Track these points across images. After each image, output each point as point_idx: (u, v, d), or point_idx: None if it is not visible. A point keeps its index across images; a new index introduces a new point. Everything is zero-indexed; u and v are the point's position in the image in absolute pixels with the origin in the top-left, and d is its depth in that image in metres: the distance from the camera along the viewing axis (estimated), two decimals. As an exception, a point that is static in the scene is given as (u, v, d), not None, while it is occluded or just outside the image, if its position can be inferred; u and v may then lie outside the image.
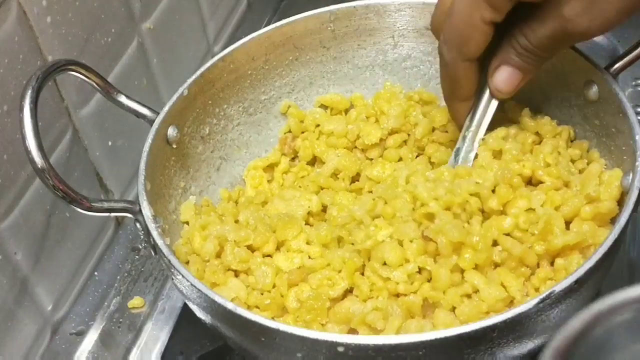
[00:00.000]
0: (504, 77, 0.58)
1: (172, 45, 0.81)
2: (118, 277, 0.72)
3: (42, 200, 0.63)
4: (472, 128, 0.62)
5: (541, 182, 0.60)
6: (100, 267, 0.72)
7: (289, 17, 0.71)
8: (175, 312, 0.68)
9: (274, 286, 0.58)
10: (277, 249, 0.61)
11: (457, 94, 0.61)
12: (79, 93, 0.66)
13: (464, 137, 0.63)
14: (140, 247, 0.74)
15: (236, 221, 0.64)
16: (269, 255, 0.61)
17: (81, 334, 0.67)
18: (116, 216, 0.74)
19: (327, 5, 0.71)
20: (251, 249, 0.61)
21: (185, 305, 0.67)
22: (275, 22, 0.71)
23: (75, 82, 0.64)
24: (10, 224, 0.60)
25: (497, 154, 0.62)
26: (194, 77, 0.66)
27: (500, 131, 0.63)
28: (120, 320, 0.68)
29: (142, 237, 0.66)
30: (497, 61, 0.58)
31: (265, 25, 0.72)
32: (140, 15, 0.74)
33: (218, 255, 0.60)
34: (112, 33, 0.70)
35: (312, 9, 0.71)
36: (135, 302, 0.69)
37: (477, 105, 0.62)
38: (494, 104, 0.61)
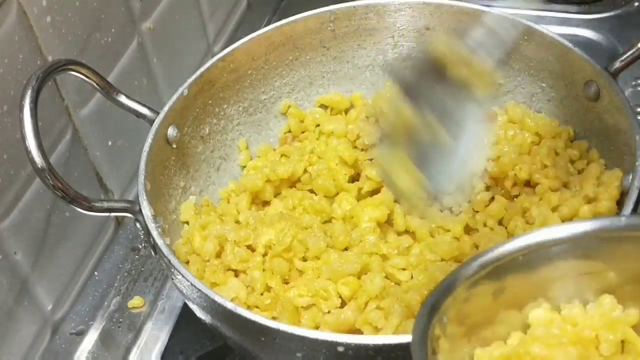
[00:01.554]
0: None
1: (172, 45, 0.81)
2: (118, 277, 0.72)
3: (42, 200, 0.63)
4: None
5: (539, 184, 0.60)
6: (100, 267, 0.72)
7: (289, 17, 0.71)
8: (175, 312, 0.68)
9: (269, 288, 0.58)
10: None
11: None
12: (79, 93, 0.66)
13: None
14: (140, 247, 0.74)
15: (236, 221, 0.64)
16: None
17: (81, 334, 0.67)
18: (116, 216, 0.74)
19: (327, 5, 0.71)
20: (251, 248, 0.61)
21: (185, 305, 0.67)
22: (275, 22, 0.71)
23: (75, 82, 0.64)
24: (10, 223, 0.60)
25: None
26: (194, 77, 0.66)
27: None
28: (120, 320, 0.68)
29: (142, 237, 0.66)
30: None
31: (265, 25, 0.72)
32: (140, 15, 0.74)
33: (218, 255, 0.60)
34: (112, 33, 0.70)
35: (312, 9, 0.71)
36: (135, 302, 0.69)
37: None
38: None
